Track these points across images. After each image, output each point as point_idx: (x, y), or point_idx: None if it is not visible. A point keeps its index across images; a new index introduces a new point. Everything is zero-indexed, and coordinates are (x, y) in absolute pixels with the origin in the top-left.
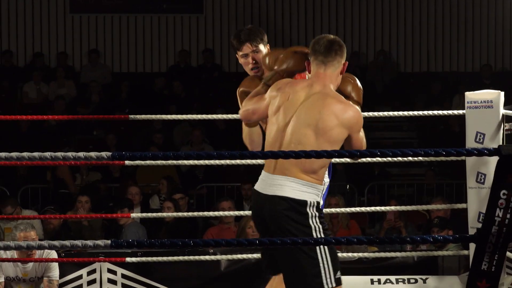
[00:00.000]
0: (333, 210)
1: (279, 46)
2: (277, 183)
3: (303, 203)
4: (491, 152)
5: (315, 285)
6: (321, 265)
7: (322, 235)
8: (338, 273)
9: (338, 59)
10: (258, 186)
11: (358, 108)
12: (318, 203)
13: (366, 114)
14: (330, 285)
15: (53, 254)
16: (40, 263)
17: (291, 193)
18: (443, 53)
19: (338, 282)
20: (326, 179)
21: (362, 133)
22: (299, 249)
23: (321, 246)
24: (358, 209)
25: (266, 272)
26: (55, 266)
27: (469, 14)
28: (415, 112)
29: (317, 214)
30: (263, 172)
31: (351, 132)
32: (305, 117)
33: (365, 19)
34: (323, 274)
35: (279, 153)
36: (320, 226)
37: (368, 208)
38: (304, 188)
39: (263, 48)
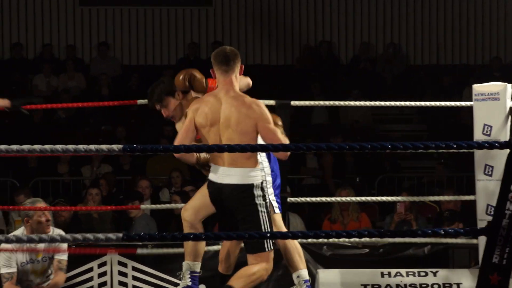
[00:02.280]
0: (343, 199)
1: (287, 38)
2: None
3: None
4: (502, 145)
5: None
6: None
7: (264, 210)
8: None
9: (236, 65)
10: (213, 177)
11: (260, 103)
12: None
13: (377, 103)
14: (269, 248)
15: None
16: (51, 243)
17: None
18: (453, 45)
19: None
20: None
21: (273, 126)
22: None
23: (266, 222)
24: (368, 198)
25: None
26: (65, 247)
27: (479, 7)
28: (423, 103)
29: (261, 193)
30: (213, 166)
31: (258, 122)
32: (226, 118)
33: (374, 11)
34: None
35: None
36: (263, 203)
37: (378, 198)
38: (248, 172)
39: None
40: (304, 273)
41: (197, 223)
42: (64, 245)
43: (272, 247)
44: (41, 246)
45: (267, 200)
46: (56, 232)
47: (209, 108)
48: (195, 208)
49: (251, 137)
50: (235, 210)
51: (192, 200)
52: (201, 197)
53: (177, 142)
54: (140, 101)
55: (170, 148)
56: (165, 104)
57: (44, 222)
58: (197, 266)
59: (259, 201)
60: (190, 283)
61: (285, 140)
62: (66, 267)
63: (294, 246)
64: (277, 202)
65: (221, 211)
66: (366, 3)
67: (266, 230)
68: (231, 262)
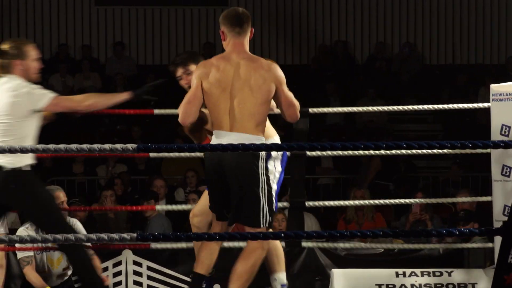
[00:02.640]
0: (357, 202)
1: (303, 37)
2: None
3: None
4: None
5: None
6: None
7: (265, 186)
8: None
9: (248, 28)
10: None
11: (276, 66)
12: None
13: (391, 108)
14: (264, 225)
15: (78, 224)
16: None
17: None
18: (469, 45)
19: (270, 225)
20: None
21: (288, 91)
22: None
23: (265, 198)
24: (382, 201)
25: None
26: (82, 229)
27: (495, 6)
28: (440, 106)
29: (263, 166)
30: (217, 132)
31: (278, 84)
32: (242, 80)
33: (390, 11)
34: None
35: None
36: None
37: (392, 201)
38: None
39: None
40: (282, 276)
41: (207, 228)
42: (81, 230)
43: (267, 225)
44: None
45: (270, 178)
46: (72, 222)
47: (221, 72)
48: (203, 212)
49: (265, 99)
50: (234, 178)
51: (198, 205)
52: (207, 200)
53: (182, 109)
54: (156, 111)
55: (185, 147)
56: (188, 70)
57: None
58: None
59: (262, 173)
60: None
61: (298, 104)
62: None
63: (273, 247)
64: (276, 201)
65: (217, 184)
66: (382, 3)
67: (264, 207)
68: (212, 261)
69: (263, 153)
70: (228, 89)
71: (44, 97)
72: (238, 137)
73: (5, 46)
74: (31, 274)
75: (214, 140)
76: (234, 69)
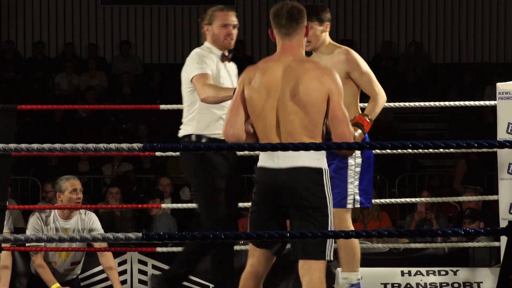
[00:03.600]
0: None
1: None
2: (290, 154)
3: (320, 171)
4: None
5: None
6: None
7: (331, 207)
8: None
9: (300, 26)
10: (265, 163)
11: (335, 73)
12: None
13: (397, 104)
14: (329, 257)
15: (94, 217)
16: (81, 220)
17: (309, 162)
18: (475, 43)
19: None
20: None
21: (344, 108)
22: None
23: (331, 219)
24: (388, 200)
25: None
26: (97, 221)
27: (501, 4)
28: (447, 103)
29: (329, 182)
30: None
31: (332, 94)
32: (288, 89)
33: (396, 10)
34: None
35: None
36: (331, 197)
37: (398, 200)
38: (317, 155)
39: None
40: (354, 276)
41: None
42: (96, 219)
43: (332, 258)
44: (71, 223)
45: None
46: (89, 216)
47: (268, 76)
48: None
49: (319, 110)
50: (297, 201)
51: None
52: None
53: (227, 123)
54: (162, 107)
55: (191, 147)
56: (321, 27)
57: (75, 199)
58: None
59: (328, 191)
60: None
61: (351, 132)
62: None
63: (352, 245)
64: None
65: (272, 209)
66: (388, 2)
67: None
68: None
69: (326, 166)
70: (274, 96)
71: None
72: (296, 153)
73: None
74: (39, 263)
75: (261, 161)
76: (281, 73)
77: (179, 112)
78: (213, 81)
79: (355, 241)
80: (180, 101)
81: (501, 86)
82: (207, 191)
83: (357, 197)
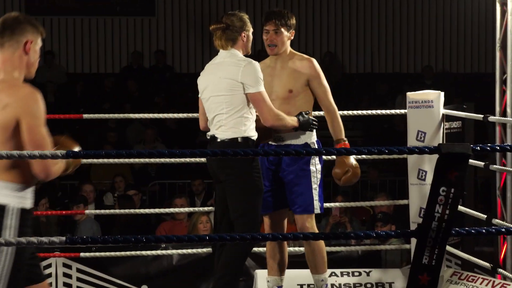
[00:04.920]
0: None
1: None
2: None
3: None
4: (431, 150)
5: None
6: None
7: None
8: None
9: (15, 38)
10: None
11: (31, 88)
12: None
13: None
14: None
15: None
16: None
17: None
18: (387, 54)
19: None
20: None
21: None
22: None
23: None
24: None
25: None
26: None
27: (411, 17)
28: (360, 112)
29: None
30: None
31: (20, 116)
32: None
33: (311, 21)
34: None
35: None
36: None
37: None
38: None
39: (286, 33)
40: (327, 276)
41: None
42: None
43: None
44: None
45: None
46: None
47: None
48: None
49: None
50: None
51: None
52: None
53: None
54: (86, 116)
55: (113, 153)
56: (288, 33)
57: None
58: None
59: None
60: None
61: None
62: None
63: (320, 248)
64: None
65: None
66: (304, 12)
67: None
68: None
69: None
70: None
71: None
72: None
73: None
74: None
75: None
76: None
77: (102, 121)
78: None
79: (323, 244)
80: (99, 110)
81: (410, 95)
82: (253, 193)
83: (319, 203)
